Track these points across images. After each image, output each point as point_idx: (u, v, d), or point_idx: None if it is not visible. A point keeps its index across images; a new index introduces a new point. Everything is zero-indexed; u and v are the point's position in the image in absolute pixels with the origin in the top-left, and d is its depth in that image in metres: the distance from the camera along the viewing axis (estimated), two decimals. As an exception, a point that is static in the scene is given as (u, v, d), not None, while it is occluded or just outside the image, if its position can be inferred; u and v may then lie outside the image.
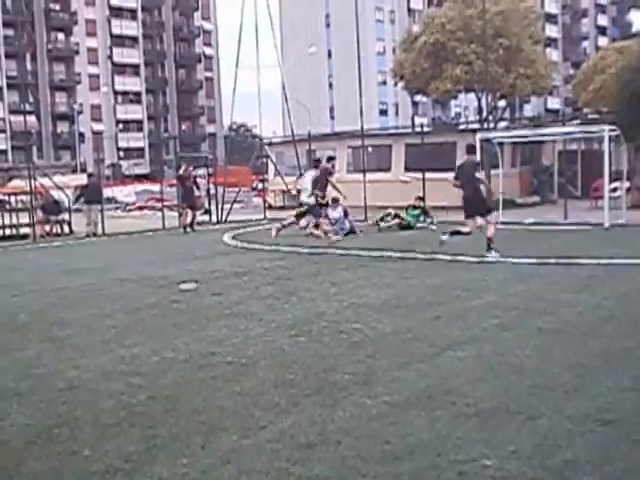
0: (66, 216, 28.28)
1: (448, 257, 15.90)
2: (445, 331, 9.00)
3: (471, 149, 17.85)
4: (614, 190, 25.07)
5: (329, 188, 21.97)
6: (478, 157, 20.36)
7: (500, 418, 5.89)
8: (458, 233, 16.66)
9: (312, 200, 21.57)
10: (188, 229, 26.67)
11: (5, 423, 6.33)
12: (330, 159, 23.55)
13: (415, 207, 24.58)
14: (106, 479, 5.04)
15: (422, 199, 25.46)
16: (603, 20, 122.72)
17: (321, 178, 21.87)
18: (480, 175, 17.01)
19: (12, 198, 29.07)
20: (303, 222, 22.56)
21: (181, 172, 28.63)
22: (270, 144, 40.24)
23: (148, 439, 5.73)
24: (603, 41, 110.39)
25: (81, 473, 5.16)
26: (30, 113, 77.99)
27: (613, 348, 7.92)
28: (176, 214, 30.39)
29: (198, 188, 28.79)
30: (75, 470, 5.23)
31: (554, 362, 7.46)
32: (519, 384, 6.77)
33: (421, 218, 24.22)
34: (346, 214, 23.47)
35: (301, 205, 22.68)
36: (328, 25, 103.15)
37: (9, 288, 14.23)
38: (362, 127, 31.47)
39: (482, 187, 16.91)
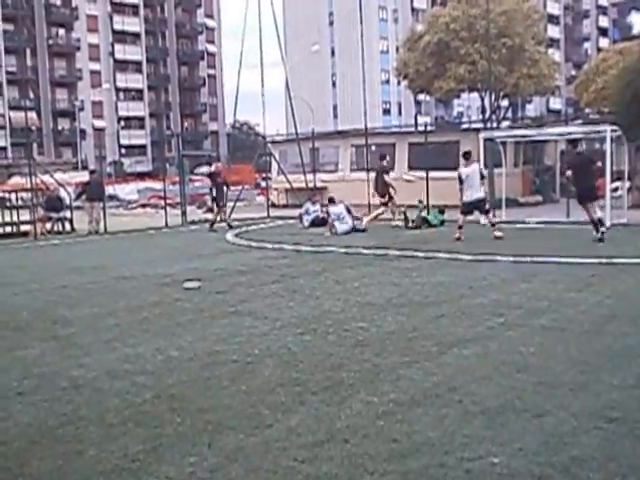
0: (67, 214, 28.22)
1: (451, 255, 15.92)
2: (450, 329, 9.01)
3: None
4: (615, 190, 25.07)
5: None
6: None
7: (506, 416, 5.90)
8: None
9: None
10: (213, 226, 26.51)
11: (8, 423, 6.31)
12: (382, 158, 24.21)
13: (440, 210, 24.52)
14: (112, 479, 5.02)
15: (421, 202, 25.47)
16: (604, 22, 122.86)
17: (379, 177, 22.54)
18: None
19: (12, 195, 28.96)
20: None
21: (213, 169, 28.87)
22: (273, 142, 40.26)
23: (154, 438, 5.72)
24: (604, 42, 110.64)
25: (86, 473, 5.15)
26: (30, 109, 77.65)
27: (616, 346, 7.95)
28: (179, 212, 30.40)
29: (228, 187, 28.69)
30: (80, 470, 5.21)
31: (558, 360, 7.48)
32: (524, 382, 6.77)
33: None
34: (349, 211, 23.48)
35: None
36: (331, 23, 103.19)
37: (10, 286, 14.24)
38: (366, 126, 31.49)
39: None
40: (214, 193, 27.68)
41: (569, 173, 19.04)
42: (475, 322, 9.35)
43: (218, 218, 27.39)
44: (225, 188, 27.81)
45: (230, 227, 26.20)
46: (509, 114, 62.78)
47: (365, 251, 17.44)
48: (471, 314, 9.87)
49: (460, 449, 5.26)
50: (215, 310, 10.85)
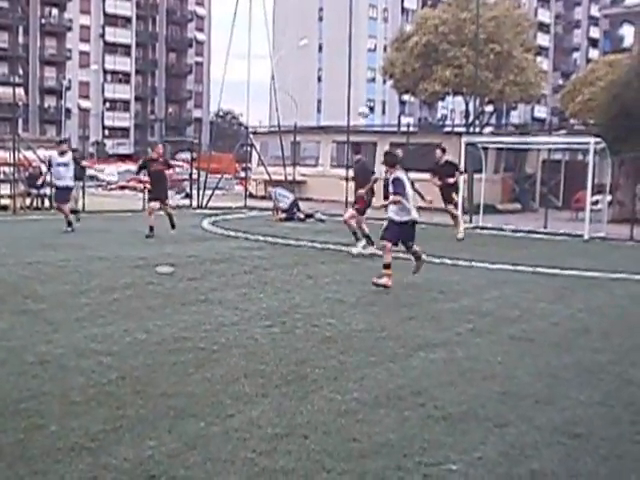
0: (47, 190, 28.13)
1: (425, 258, 15.91)
2: (418, 332, 9.02)
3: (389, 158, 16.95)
4: (596, 203, 25.14)
5: None
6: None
7: (468, 423, 5.91)
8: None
9: None
10: None
11: (-28, 395, 6.30)
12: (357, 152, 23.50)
13: None
14: (71, 457, 5.01)
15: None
16: (595, 32, 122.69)
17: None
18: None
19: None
20: None
21: (153, 155, 25.54)
22: (255, 133, 40.18)
23: (115, 419, 5.72)
24: (594, 53, 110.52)
25: (46, 448, 5.14)
26: (19, 85, 77.36)
27: (585, 361, 7.95)
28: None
29: (165, 178, 21.04)
30: (40, 445, 5.20)
31: (525, 371, 7.49)
32: (489, 390, 6.79)
33: None
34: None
35: None
36: (321, 19, 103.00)
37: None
38: (348, 123, 31.49)
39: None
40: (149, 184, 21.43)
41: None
42: (444, 327, 9.37)
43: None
44: (165, 178, 20.73)
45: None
46: (493, 120, 62.86)
47: (340, 247, 17.38)
48: (441, 318, 9.90)
49: (419, 453, 5.26)
50: (186, 296, 10.84)
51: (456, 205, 20.94)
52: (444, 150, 20.88)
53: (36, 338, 8.11)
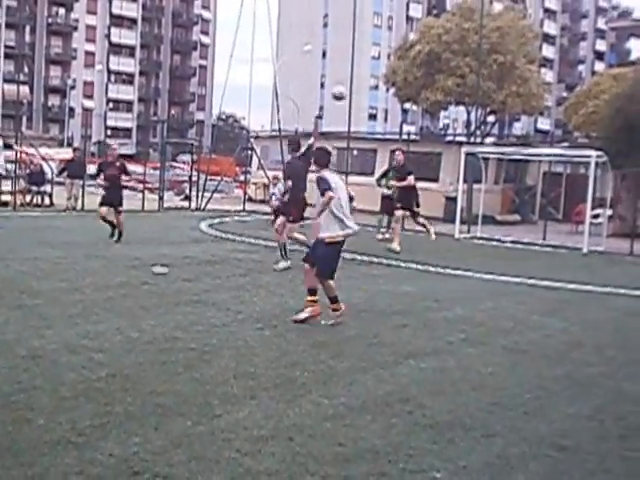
0: (48, 188, 28.27)
1: (421, 267, 15.94)
2: (410, 340, 9.03)
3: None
4: (596, 216, 25.14)
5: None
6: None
7: (455, 432, 5.91)
8: None
9: None
10: None
11: (-39, 387, 6.34)
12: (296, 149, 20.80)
13: None
14: (57, 450, 5.05)
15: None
16: (601, 45, 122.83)
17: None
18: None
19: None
20: None
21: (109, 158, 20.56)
22: (256, 137, 40.20)
23: (103, 415, 5.76)
24: (600, 66, 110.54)
25: (33, 442, 5.18)
26: (24, 83, 77.63)
27: (576, 375, 7.95)
28: (156, 197, 30.35)
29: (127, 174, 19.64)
30: (28, 438, 5.25)
31: (515, 382, 7.50)
32: (478, 400, 6.80)
33: None
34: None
35: None
36: (326, 25, 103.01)
37: (-17, 254, 14.19)
38: (349, 129, 31.52)
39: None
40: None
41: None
42: (436, 335, 9.38)
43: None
44: (119, 184, 18.46)
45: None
46: (496, 131, 62.87)
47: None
48: (433, 327, 9.91)
49: (404, 460, 5.27)
50: (179, 297, 10.87)
51: (418, 214, 19.78)
52: (404, 152, 20.45)
53: (29, 333, 8.17)
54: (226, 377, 6.95)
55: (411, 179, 19.36)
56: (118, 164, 18.35)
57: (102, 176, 18.17)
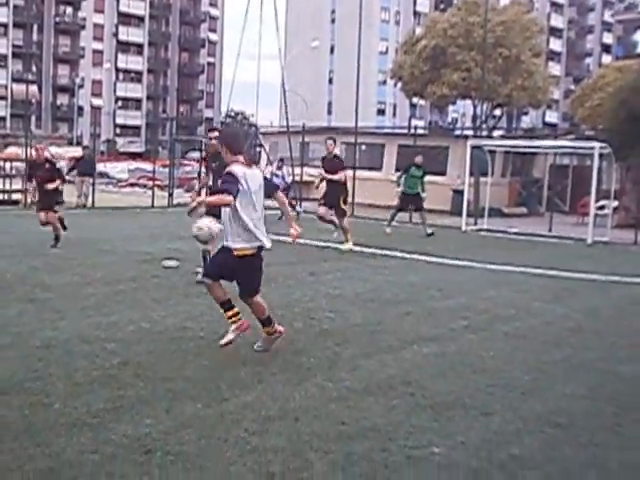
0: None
1: (427, 258, 16.12)
2: (413, 327, 9.25)
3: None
4: (601, 208, 25.24)
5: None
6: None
7: (455, 411, 6.14)
8: None
9: None
10: None
11: (-20, 374, 6.60)
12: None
13: None
14: (73, 432, 5.29)
15: None
16: (608, 38, 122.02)
17: None
18: None
19: (7, 164, 29.26)
20: None
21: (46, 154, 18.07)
22: (265, 133, 40.35)
23: (116, 399, 6.01)
24: (607, 59, 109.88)
25: (50, 424, 5.42)
26: (32, 83, 77.98)
27: (575, 358, 8.14)
28: (166, 193, 30.61)
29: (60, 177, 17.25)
30: (45, 421, 5.49)
31: (515, 365, 7.70)
32: (478, 382, 7.02)
33: None
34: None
35: None
36: (333, 20, 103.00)
37: (1, 249, 14.47)
38: (356, 124, 31.64)
39: None
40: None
41: None
42: (439, 323, 9.59)
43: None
44: (49, 188, 16.23)
45: None
46: (504, 124, 62.76)
47: (341, 246, 17.50)
48: (437, 315, 10.10)
49: (404, 437, 5.50)
50: (189, 289, 11.09)
51: (344, 214, 17.77)
52: (335, 141, 18.19)
53: (43, 324, 8.41)
54: (234, 363, 7.19)
55: (342, 175, 17.67)
56: (48, 166, 16.44)
57: (33, 180, 16.81)
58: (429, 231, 21.10)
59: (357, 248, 16.99)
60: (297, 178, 30.86)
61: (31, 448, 4.99)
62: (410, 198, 21.60)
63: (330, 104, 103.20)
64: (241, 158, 7.65)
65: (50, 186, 16.00)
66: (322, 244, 17.92)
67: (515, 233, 23.68)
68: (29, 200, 26.33)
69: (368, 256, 16.30)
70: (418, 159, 21.80)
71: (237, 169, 7.50)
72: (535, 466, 5.17)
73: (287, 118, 31.66)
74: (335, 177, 17.46)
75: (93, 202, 26.91)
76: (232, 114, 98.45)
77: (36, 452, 4.93)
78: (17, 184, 27.60)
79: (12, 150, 41.04)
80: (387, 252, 16.86)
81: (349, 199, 19.72)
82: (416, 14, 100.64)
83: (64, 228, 16.32)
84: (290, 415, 5.84)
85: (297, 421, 5.71)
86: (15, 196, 27.11)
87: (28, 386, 6.27)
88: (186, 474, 4.73)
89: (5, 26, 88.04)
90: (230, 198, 7.31)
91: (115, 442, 5.15)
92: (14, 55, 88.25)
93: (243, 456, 5.02)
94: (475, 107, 50.38)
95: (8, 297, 10.01)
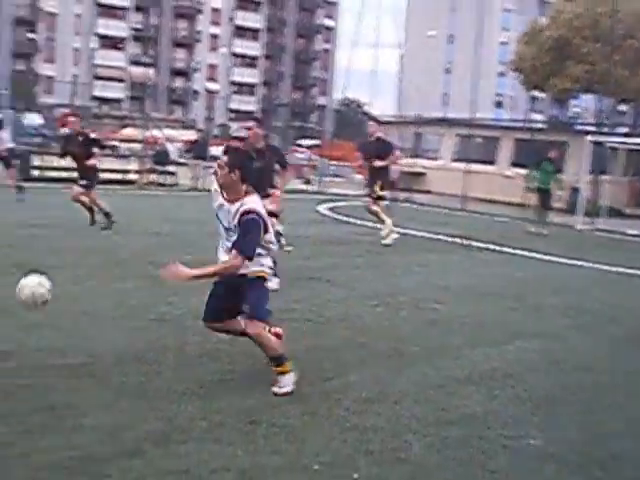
0: (172, 168, 29.13)
1: (537, 255, 15.99)
2: (518, 322, 9.27)
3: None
4: None
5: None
6: None
7: (555, 407, 6.18)
8: None
9: None
10: None
11: (100, 341, 6.96)
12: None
13: None
14: (184, 399, 5.57)
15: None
16: None
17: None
18: None
19: (123, 145, 30.10)
20: None
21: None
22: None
23: (225, 372, 6.29)
24: None
25: (163, 391, 5.73)
26: (149, 66, 79.63)
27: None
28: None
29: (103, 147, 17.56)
30: (157, 388, 5.81)
31: (620, 367, 7.69)
32: (581, 380, 7.03)
33: None
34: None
35: None
36: (453, 9, 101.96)
37: (118, 227, 14.82)
38: (472, 117, 31.42)
39: None
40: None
41: None
42: (544, 320, 9.58)
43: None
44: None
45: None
46: (630, 120, 60.80)
47: (448, 239, 17.57)
48: (543, 311, 10.10)
49: (502, 427, 5.59)
50: (298, 273, 11.26)
51: (380, 199, 16.00)
52: (380, 123, 17.24)
53: (156, 299, 8.75)
54: (339, 346, 7.39)
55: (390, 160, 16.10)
56: (80, 139, 15.11)
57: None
58: (545, 232, 20.48)
59: (465, 242, 16.95)
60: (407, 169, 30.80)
61: (145, 411, 5.29)
62: (543, 194, 21.22)
63: (446, 95, 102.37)
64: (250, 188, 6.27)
65: (90, 162, 14.90)
66: (432, 236, 17.96)
67: (634, 235, 22.91)
68: (144, 181, 27.08)
69: (474, 249, 16.29)
70: (552, 154, 21.31)
71: (259, 206, 6.22)
72: (636, 466, 5.19)
73: (400, 108, 31.61)
74: (379, 163, 15.59)
75: (204, 185, 27.43)
76: (347, 102, 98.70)
77: (149, 415, 5.22)
78: (133, 165, 28.37)
79: (128, 131, 42.16)
80: (496, 247, 16.80)
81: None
82: (541, 3, 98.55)
83: (91, 211, 15.07)
84: (390, 398, 5.98)
85: (397, 404, 5.85)
86: (131, 176, 27.80)
87: (142, 355, 6.58)
88: (289, 445, 4.92)
89: (125, 9, 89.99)
90: (241, 264, 6.26)
91: (223, 411, 5.39)
92: (134, 38, 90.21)
93: (343, 433, 5.19)
94: (599, 102, 48.95)
95: (125, 272, 10.40)
